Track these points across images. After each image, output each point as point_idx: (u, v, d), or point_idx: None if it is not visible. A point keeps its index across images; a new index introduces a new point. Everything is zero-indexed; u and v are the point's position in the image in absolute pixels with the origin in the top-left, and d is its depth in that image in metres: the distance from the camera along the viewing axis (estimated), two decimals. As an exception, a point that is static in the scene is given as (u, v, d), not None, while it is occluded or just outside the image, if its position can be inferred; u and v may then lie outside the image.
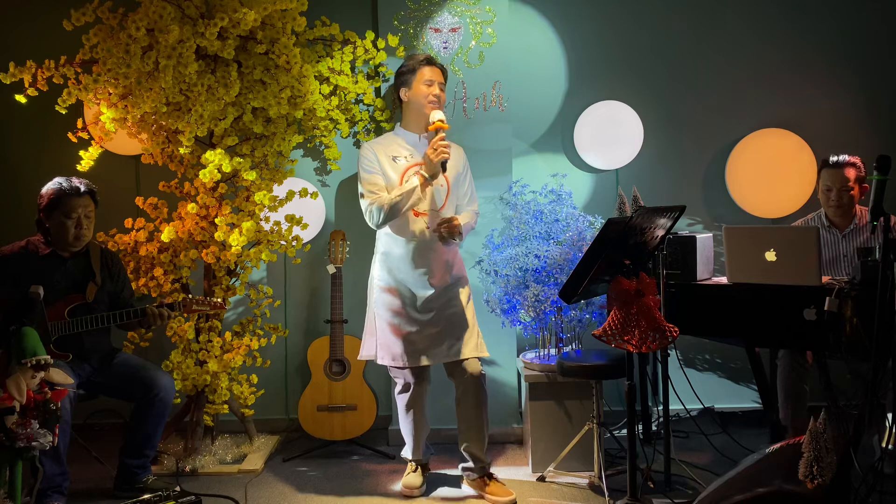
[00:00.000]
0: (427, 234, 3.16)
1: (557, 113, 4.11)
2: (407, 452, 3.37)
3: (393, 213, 3.11)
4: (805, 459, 2.26)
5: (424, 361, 3.17)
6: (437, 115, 3.13)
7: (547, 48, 4.11)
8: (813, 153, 3.99)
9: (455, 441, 3.31)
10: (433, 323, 3.16)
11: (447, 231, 3.12)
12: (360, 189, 3.20)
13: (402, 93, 3.26)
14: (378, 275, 3.25)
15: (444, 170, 3.10)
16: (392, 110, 3.88)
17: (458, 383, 3.22)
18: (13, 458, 2.32)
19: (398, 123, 3.34)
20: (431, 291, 3.16)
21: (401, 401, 3.30)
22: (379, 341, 3.23)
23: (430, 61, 3.24)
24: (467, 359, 3.17)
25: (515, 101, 3.93)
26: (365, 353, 3.31)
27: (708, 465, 3.41)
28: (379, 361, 3.25)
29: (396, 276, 3.19)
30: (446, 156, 3.06)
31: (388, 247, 3.22)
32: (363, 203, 3.19)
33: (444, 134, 3.09)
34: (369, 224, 3.21)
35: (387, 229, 3.21)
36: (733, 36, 4.12)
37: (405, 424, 3.32)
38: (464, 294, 3.25)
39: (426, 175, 3.09)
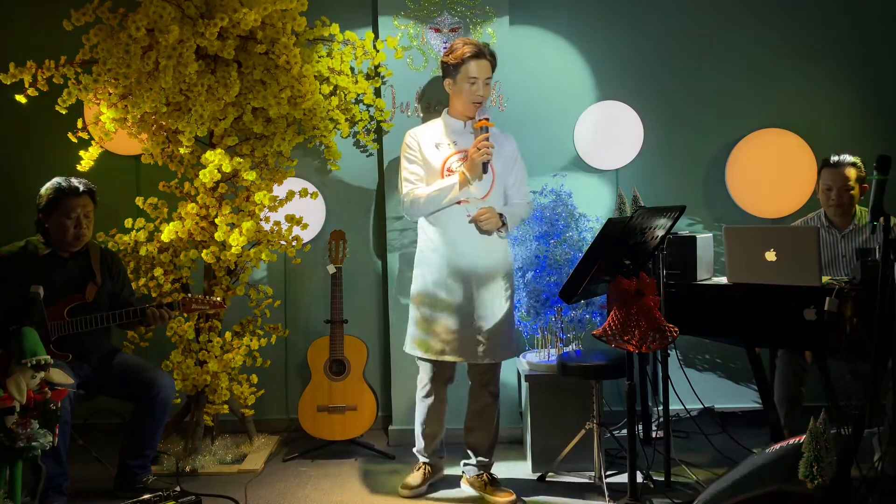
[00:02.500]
0: (468, 223, 3.09)
1: (557, 113, 4.11)
2: (417, 450, 3.34)
3: (428, 208, 3.10)
4: (805, 459, 2.26)
5: (452, 358, 3.12)
6: (483, 116, 3.08)
7: (547, 48, 4.11)
8: (813, 153, 3.99)
9: (456, 441, 3.31)
10: (470, 321, 3.10)
11: (483, 224, 3.06)
12: (400, 177, 3.18)
13: (447, 84, 3.18)
14: (420, 265, 3.21)
15: (486, 171, 3.03)
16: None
17: (475, 380, 3.21)
18: (13, 458, 2.32)
19: (446, 109, 3.26)
20: (473, 287, 3.10)
21: (420, 394, 3.26)
22: (412, 331, 3.21)
23: (476, 55, 3.08)
24: (499, 361, 3.17)
25: (516, 102, 3.93)
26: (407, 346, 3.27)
27: (708, 465, 3.41)
28: (408, 351, 3.23)
29: (437, 266, 3.14)
30: (488, 157, 3.01)
31: (431, 236, 3.17)
32: (401, 192, 3.18)
33: (488, 133, 3.04)
34: (405, 215, 3.23)
35: (430, 218, 3.17)
36: (733, 36, 4.12)
37: (420, 417, 3.27)
38: (507, 293, 3.16)
39: (468, 174, 3.03)
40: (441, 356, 3.12)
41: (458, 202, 3.10)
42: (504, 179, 3.21)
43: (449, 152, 3.14)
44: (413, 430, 3.35)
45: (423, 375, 3.25)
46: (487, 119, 3.07)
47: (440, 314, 3.12)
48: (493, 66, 3.17)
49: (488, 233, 3.11)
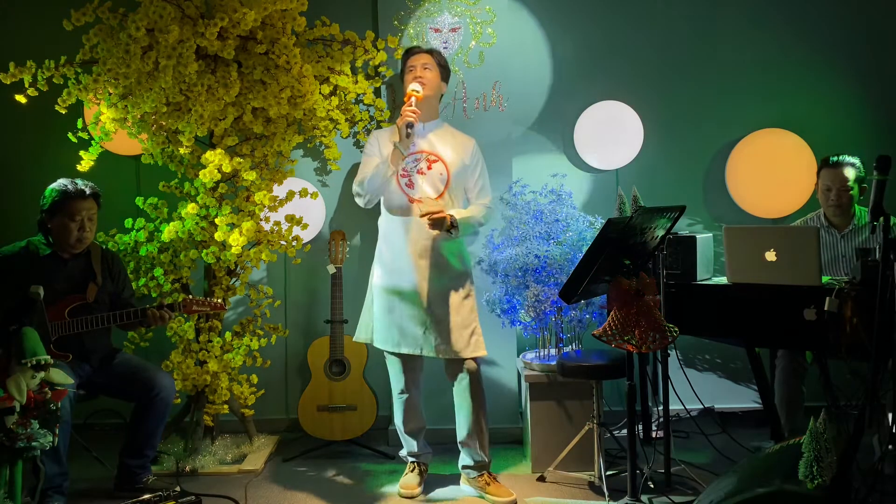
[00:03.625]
0: (420, 223, 3.13)
1: (557, 113, 4.11)
2: (404, 451, 3.38)
3: (370, 187, 3.16)
4: (805, 459, 2.26)
5: (409, 350, 3.19)
6: (411, 86, 3.18)
7: (547, 48, 4.11)
8: (813, 153, 3.99)
9: (455, 441, 3.30)
10: (424, 315, 3.16)
11: (430, 222, 3.06)
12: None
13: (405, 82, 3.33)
14: (377, 260, 3.30)
15: (409, 135, 3.11)
16: (392, 110, 3.88)
17: (453, 381, 3.23)
18: (13, 458, 2.32)
19: None
20: (425, 283, 3.16)
21: (396, 391, 3.32)
22: (367, 322, 3.31)
23: (407, 52, 3.34)
24: (463, 358, 3.17)
25: (515, 101, 3.93)
26: (357, 334, 3.37)
27: (708, 465, 3.41)
28: (364, 339, 3.33)
29: (392, 264, 3.21)
30: (410, 118, 3.09)
31: (386, 234, 3.26)
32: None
33: (412, 101, 3.12)
34: (357, 201, 3.26)
35: (386, 216, 3.24)
36: (733, 36, 4.12)
37: (398, 416, 3.32)
38: (462, 291, 3.21)
39: (397, 144, 3.14)
40: (399, 348, 3.20)
41: (412, 200, 3.15)
42: (460, 182, 3.26)
43: (406, 152, 3.20)
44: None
45: (394, 371, 3.30)
46: (416, 91, 3.15)
47: (396, 307, 3.19)
48: (435, 58, 3.29)
49: (435, 229, 3.10)
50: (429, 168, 3.21)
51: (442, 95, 3.39)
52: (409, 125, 3.10)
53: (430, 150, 3.23)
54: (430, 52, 3.31)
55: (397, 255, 3.20)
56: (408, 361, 3.27)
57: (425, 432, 3.37)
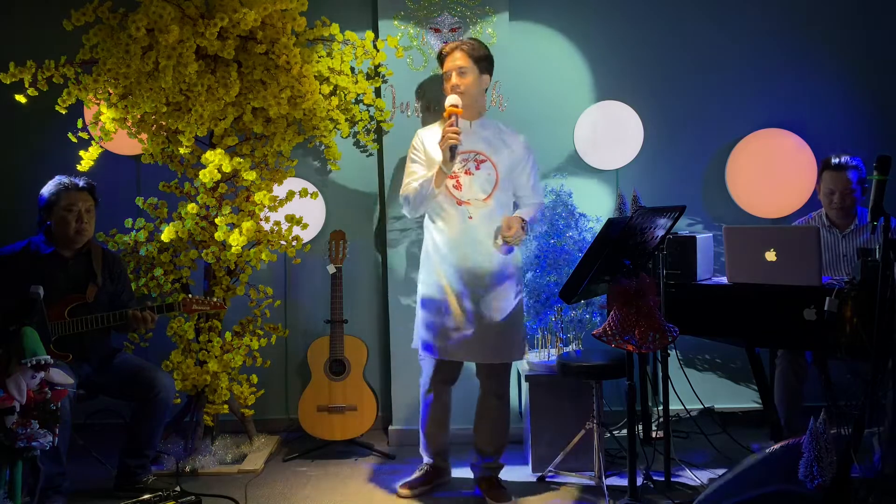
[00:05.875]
0: (469, 223, 3.07)
1: (557, 113, 4.11)
2: (422, 451, 3.32)
3: (416, 202, 3.11)
4: (805, 459, 2.26)
5: (454, 358, 3.11)
6: (449, 101, 3.05)
7: (547, 48, 4.11)
8: (813, 153, 3.99)
9: (457, 441, 3.30)
10: (473, 321, 3.07)
11: (510, 240, 3.04)
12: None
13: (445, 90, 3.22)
14: (423, 266, 3.21)
15: (453, 157, 2.98)
16: (392, 109, 3.88)
17: (481, 381, 3.20)
18: (13, 458, 2.32)
19: None
20: (471, 286, 3.07)
21: (424, 392, 3.25)
22: (419, 331, 3.19)
23: (444, 53, 3.18)
24: (509, 362, 3.14)
25: (515, 101, 3.93)
26: (416, 342, 3.24)
27: (708, 465, 3.41)
28: (413, 346, 3.22)
29: (438, 267, 3.12)
30: (453, 141, 2.96)
31: (433, 236, 3.16)
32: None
33: (454, 119, 3.00)
34: (404, 212, 3.24)
35: (432, 220, 3.17)
36: (733, 36, 4.12)
37: (421, 417, 3.26)
38: (511, 294, 3.12)
39: (441, 165, 3.03)
40: (443, 356, 3.11)
41: (460, 203, 3.09)
42: (510, 180, 3.17)
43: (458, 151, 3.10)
44: (413, 430, 3.35)
45: (424, 374, 3.25)
46: (455, 106, 3.03)
47: (444, 315, 3.09)
48: (471, 55, 3.12)
49: (514, 244, 3.10)
50: (477, 168, 3.10)
51: (486, 88, 3.25)
52: (453, 148, 2.97)
53: (479, 149, 3.12)
54: (462, 48, 3.13)
55: (446, 260, 3.10)
56: (448, 368, 3.19)
57: (448, 439, 3.29)
